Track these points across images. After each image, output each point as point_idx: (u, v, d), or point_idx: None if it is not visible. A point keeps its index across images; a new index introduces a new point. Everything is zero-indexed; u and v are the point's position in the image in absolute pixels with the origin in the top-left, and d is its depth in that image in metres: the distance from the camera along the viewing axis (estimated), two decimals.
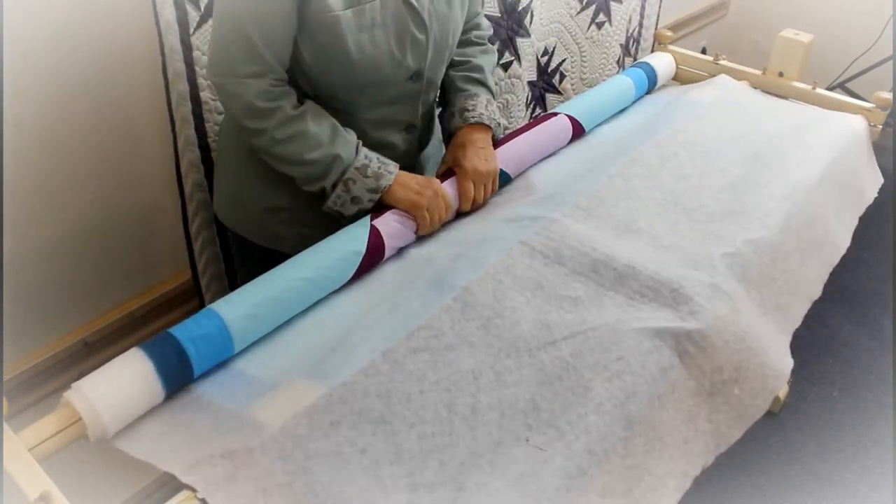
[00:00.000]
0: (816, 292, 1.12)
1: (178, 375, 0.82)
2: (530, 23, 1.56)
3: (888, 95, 1.39)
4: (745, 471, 1.60)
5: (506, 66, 1.55)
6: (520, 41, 1.55)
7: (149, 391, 0.80)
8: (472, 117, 1.15)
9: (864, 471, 1.61)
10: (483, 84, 1.20)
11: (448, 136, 1.19)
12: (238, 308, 0.88)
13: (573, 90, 1.84)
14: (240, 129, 1.01)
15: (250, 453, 0.74)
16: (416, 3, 1.00)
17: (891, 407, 1.76)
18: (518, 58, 1.56)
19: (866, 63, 2.62)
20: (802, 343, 1.94)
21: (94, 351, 1.24)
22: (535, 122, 1.29)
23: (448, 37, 1.08)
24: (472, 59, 1.20)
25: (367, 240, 1.00)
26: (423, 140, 1.21)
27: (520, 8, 1.51)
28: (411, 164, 1.18)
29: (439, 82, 1.16)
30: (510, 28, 1.52)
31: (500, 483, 0.73)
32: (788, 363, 0.96)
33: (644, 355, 0.87)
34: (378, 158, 1.04)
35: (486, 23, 1.24)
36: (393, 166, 1.05)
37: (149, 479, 1.41)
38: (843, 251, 1.18)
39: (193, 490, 0.70)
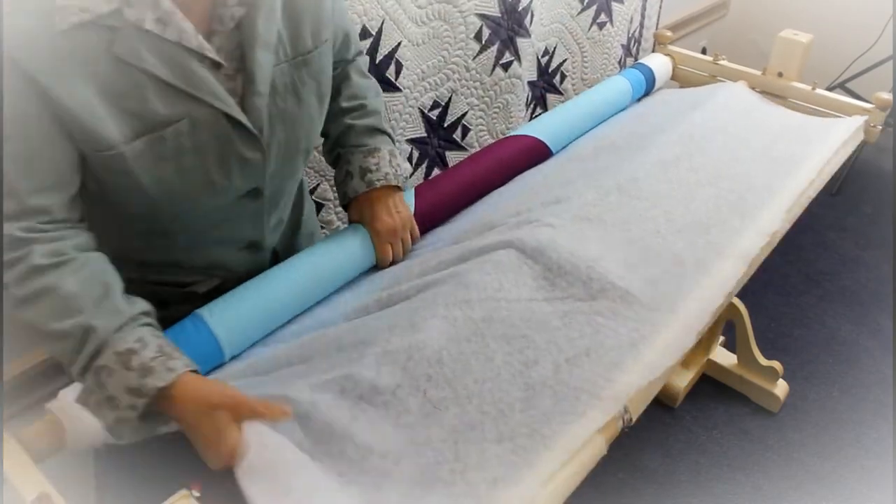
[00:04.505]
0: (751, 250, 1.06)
1: None
2: (530, 23, 1.56)
3: (888, 96, 1.39)
4: (745, 471, 1.60)
5: (506, 66, 1.55)
6: (520, 41, 1.55)
7: None
8: (377, 179, 1.00)
9: (864, 471, 1.61)
10: (382, 132, 1.03)
11: (347, 198, 1.03)
12: (228, 318, 0.89)
13: (574, 90, 1.84)
14: None
15: None
16: (242, 118, 0.78)
17: (891, 407, 1.76)
18: (518, 58, 1.56)
19: (866, 63, 2.62)
20: (802, 343, 1.96)
21: None
22: (498, 143, 1.25)
23: (300, 140, 0.88)
24: (363, 100, 1.02)
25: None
26: (282, 254, 1.03)
27: (520, 8, 1.51)
28: None
29: (294, 190, 0.99)
30: (510, 28, 1.52)
31: (390, 428, 0.77)
32: (698, 322, 0.93)
33: (551, 332, 0.89)
34: (161, 348, 0.72)
35: (354, 43, 1.03)
36: (182, 364, 0.72)
37: None
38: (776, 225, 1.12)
39: (190, 489, 0.70)
